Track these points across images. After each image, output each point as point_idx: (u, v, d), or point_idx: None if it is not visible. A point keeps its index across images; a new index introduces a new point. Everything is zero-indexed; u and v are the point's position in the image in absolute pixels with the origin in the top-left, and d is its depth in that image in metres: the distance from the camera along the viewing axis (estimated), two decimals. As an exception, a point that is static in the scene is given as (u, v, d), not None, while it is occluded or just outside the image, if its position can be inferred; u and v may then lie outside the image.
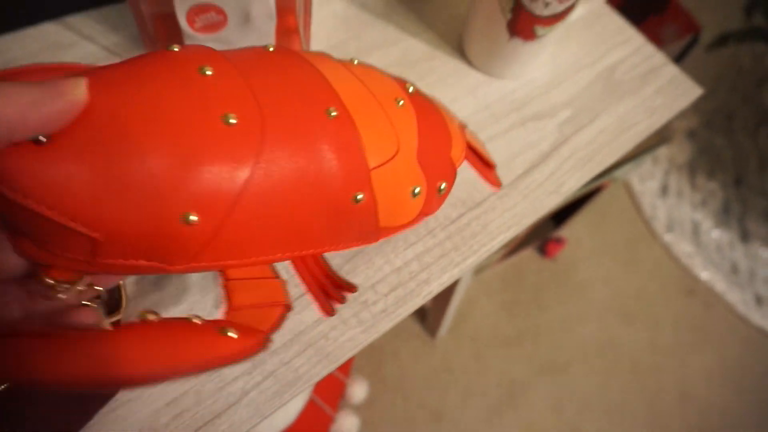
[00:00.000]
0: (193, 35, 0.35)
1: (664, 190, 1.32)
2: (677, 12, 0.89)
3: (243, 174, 0.19)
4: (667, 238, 1.26)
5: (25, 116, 0.16)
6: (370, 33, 0.42)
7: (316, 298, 0.26)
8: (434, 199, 0.27)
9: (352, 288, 0.27)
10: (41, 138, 0.17)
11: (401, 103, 0.26)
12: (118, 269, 0.19)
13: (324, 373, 0.30)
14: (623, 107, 0.43)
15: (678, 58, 0.96)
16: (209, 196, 0.19)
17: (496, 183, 0.35)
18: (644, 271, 1.23)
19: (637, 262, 1.23)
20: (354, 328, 0.31)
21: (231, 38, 0.36)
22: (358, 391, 0.91)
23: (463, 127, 0.32)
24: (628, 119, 0.43)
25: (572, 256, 1.22)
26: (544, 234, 1.14)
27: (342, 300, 0.26)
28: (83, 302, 0.22)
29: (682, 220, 1.29)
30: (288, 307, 0.24)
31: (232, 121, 0.20)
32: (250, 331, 0.21)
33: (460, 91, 0.41)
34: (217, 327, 0.20)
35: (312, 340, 0.30)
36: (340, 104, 0.23)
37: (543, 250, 1.20)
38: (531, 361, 1.10)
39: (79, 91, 0.18)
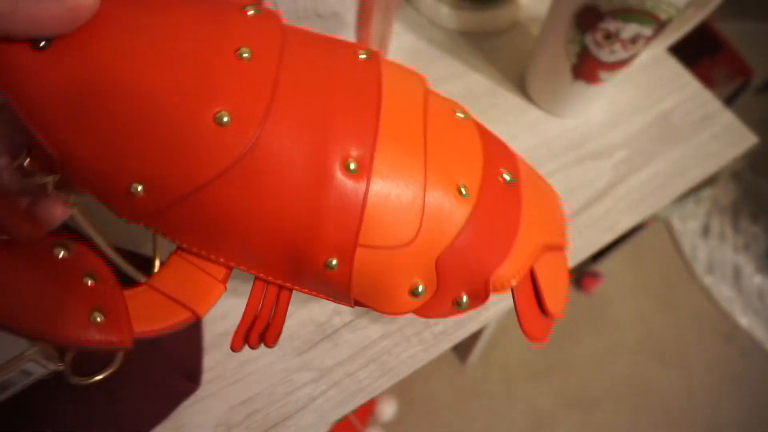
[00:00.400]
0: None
1: (705, 231, 1.30)
2: (731, 55, 0.90)
3: (252, 129, 0.17)
4: (707, 280, 1.24)
5: (22, 13, 0.14)
6: (437, 67, 0.45)
7: (241, 326, 0.21)
8: (445, 308, 0.21)
9: (269, 343, 0.21)
10: (41, 43, 0.16)
11: (464, 191, 0.20)
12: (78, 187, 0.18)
13: (386, 386, 0.31)
14: (678, 152, 0.44)
15: (728, 101, 0.97)
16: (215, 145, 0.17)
17: (535, 337, 0.22)
18: (681, 312, 1.21)
19: (674, 303, 1.22)
20: (416, 346, 0.32)
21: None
22: (387, 409, 0.92)
23: (552, 248, 0.23)
24: (683, 164, 0.44)
25: (607, 292, 1.21)
26: (581, 267, 1.14)
27: (254, 346, 0.21)
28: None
29: (723, 263, 1.26)
30: (197, 317, 0.20)
31: (246, 55, 0.18)
32: (120, 324, 0.18)
33: (520, 126, 0.43)
34: (87, 307, 0.18)
35: (376, 355, 0.32)
36: (371, 143, 0.18)
37: (579, 284, 1.19)
38: (560, 393, 1.09)
39: None
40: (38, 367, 0.24)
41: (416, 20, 0.47)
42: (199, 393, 0.30)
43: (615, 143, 0.44)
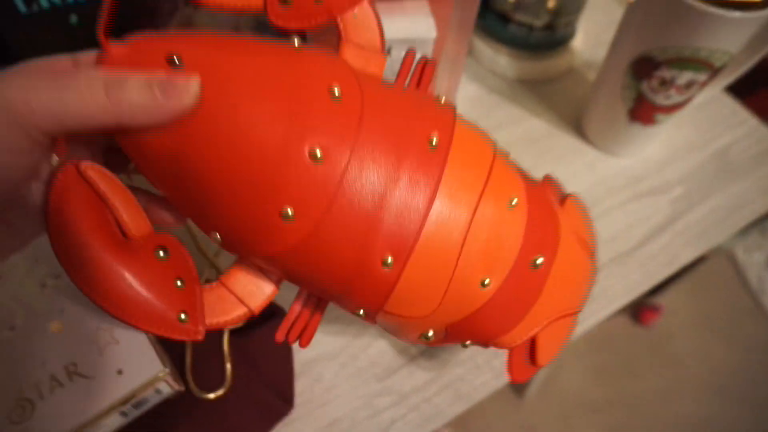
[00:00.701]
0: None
1: (772, 262, 1.25)
2: (789, 86, 0.89)
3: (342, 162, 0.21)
4: (776, 314, 1.19)
5: (134, 118, 0.19)
6: (498, 113, 0.48)
7: (284, 324, 0.25)
8: (452, 345, 0.27)
9: (303, 344, 0.26)
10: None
11: (487, 282, 0.23)
12: None
13: (459, 411, 0.34)
14: (737, 187, 0.46)
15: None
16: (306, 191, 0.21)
17: (516, 380, 0.27)
18: (749, 347, 1.16)
19: (740, 338, 1.17)
20: (486, 374, 0.35)
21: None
22: (445, 441, 0.92)
23: (563, 317, 0.26)
24: (742, 198, 0.45)
25: (668, 326, 1.18)
26: (639, 300, 1.12)
27: (291, 343, 0.26)
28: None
29: (793, 296, 1.21)
30: (253, 313, 0.24)
31: (337, 94, 0.21)
32: (197, 321, 0.23)
33: (579, 166, 0.45)
34: (177, 309, 0.22)
35: (450, 382, 0.35)
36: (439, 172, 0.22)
37: (637, 317, 1.17)
38: (620, 431, 1.06)
39: (193, 93, 0.19)
40: (167, 387, 0.29)
41: (478, 71, 0.51)
42: (292, 414, 0.33)
43: (672, 180, 0.45)
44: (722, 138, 0.49)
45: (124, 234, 0.22)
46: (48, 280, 0.31)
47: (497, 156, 0.24)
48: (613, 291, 0.39)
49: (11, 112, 0.18)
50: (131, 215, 0.22)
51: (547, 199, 0.26)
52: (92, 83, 0.18)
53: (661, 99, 0.39)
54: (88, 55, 0.21)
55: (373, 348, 0.35)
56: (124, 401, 0.27)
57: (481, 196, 0.23)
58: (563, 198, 0.29)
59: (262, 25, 0.39)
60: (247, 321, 0.25)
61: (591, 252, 0.28)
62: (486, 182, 0.23)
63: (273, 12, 0.24)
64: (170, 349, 0.31)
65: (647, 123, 0.42)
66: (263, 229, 0.21)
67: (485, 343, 0.26)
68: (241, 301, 0.24)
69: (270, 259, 0.23)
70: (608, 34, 0.42)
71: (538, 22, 0.47)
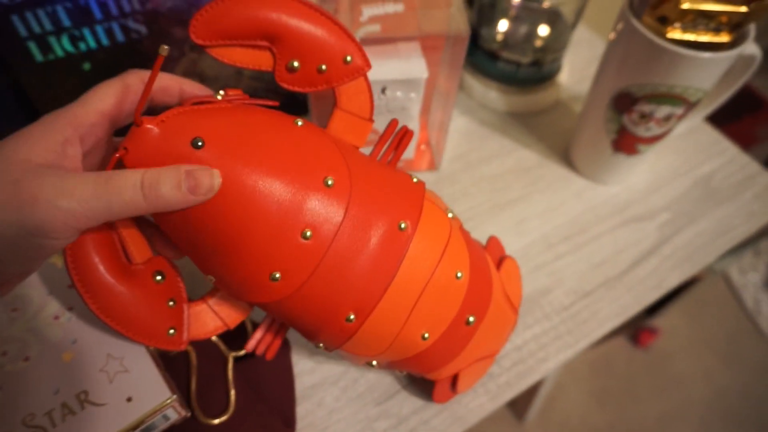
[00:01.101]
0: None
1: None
2: (772, 111, 0.92)
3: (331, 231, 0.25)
4: (774, 334, 1.20)
5: (166, 209, 0.23)
6: (489, 144, 0.50)
7: (253, 337, 0.31)
8: (389, 368, 0.32)
9: (269, 356, 0.31)
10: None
11: (426, 336, 0.28)
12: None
13: (456, 433, 0.35)
14: (721, 212, 0.47)
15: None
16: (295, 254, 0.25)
17: (439, 401, 0.34)
18: (749, 368, 1.16)
19: (740, 358, 1.18)
20: (481, 396, 0.36)
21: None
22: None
23: (483, 358, 0.33)
24: (726, 223, 0.47)
25: (667, 347, 1.19)
26: (636, 322, 1.13)
27: (258, 353, 0.31)
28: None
29: (790, 317, 1.22)
30: (228, 327, 0.29)
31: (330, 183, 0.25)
32: (182, 335, 0.28)
33: (567, 194, 0.47)
34: (167, 326, 0.27)
35: (447, 404, 0.36)
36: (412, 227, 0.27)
37: (635, 339, 1.18)
38: (624, 455, 1.06)
39: (215, 188, 0.23)
40: (175, 413, 0.30)
41: (470, 105, 0.53)
42: (295, 437, 0.34)
43: (658, 206, 0.47)
44: (705, 165, 0.51)
45: (128, 258, 0.26)
46: (61, 312, 0.33)
47: (453, 231, 0.29)
48: (603, 314, 0.40)
49: (54, 211, 0.20)
50: (135, 244, 0.26)
51: (485, 266, 0.32)
52: (133, 187, 0.21)
53: (642, 131, 0.41)
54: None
55: (371, 373, 0.37)
56: (134, 427, 0.28)
57: (434, 271, 0.27)
58: (502, 259, 0.35)
59: (260, 75, 0.41)
60: (222, 333, 0.30)
61: (515, 308, 0.34)
62: (440, 258, 0.28)
63: (280, 76, 0.27)
64: (176, 377, 0.33)
65: (630, 153, 0.44)
66: (253, 285, 0.26)
67: (419, 375, 0.32)
68: (220, 318, 0.29)
69: (255, 304, 0.27)
70: (592, 69, 0.45)
71: (525, 59, 0.49)
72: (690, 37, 0.35)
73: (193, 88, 0.27)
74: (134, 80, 0.25)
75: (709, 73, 0.36)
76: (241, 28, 0.25)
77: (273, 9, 0.25)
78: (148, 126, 0.23)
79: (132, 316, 0.26)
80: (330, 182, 0.25)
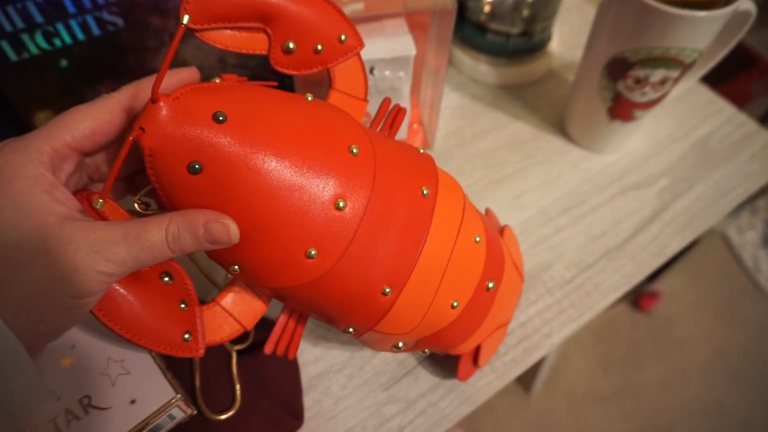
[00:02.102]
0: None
1: (766, 241, 1.27)
2: (765, 69, 0.91)
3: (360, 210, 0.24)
4: (773, 291, 1.20)
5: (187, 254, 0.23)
6: (482, 119, 0.49)
7: (272, 337, 0.28)
8: (413, 349, 0.31)
9: (291, 355, 0.29)
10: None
11: (455, 304, 0.28)
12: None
13: (465, 413, 0.35)
14: (719, 174, 0.47)
15: (769, 112, 0.97)
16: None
17: (463, 378, 0.33)
18: (749, 326, 1.17)
19: (740, 317, 1.18)
20: (488, 375, 0.36)
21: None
22: (457, 443, 0.93)
23: (500, 326, 0.33)
24: (725, 185, 0.46)
25: (669, 311, 1.20)
26: (638, 287, 1.13)
27: (280, 354, 0.28)
28: None
29: (789, 273, 1.23)
30: (245, 329, 0.27)
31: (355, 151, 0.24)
32: (199, 340, 0.25)
33: (565, 166, 0.47)
34: (182, 330, 0.25)
35: (454, 385, 0.36)
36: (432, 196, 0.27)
37: (637, 304, 1.18)
38: (631, 420, 1.07)
39: (233, 240, 0.23)
40: (180, 411, 0.30)
41: (460, 80, 0.52)
42: (303, 429, 0.34)
43: (656, 172, 0.47)
44: (701, 128, 0.50)
45: None
46: (57, 317, 0.32)
47: (466, 198, 0.29)
48: (606, 285, 0.40)
49: (96, 276, 0.21)
50: None
51: (495, 232, 0.32)
52: (161, 243, 0.22)
53: (637, 96, 0.40)
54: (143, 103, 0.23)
55: (376, 358, 0.36)
56: (140, 429, 0.28)
57: (457, 235, 0.27)
58: (501, 229, 0.35)
59: (244, 63, 0.40)
60: (241, 335, 0.28)
61: (521, 274, 0.35)
62: (461, 223, 0.28)
63: (275, 59, 0.26)
64: (180, 375, 0.32)
65: (627, 119, 0.43)
66: (288, 266, 0.24)
67: (444, 351, 0.32)
68: (236, 319, 0.27)
69: (285, 290, 0.25)
70: (584, 36, 0.44)
71: (515, 30, 0.48)
72: (683, -4, 0.34)
73: (181, 75, 0.25)
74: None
75: (705, 33, 0.35)
76: (235, 10, 0.24)
77: None
78: (165, 102, 0.22)
79: (142, 321, 0.24)
80: (355, 150, 0.25)
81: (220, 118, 0.22)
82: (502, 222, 0.43)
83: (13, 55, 0.35)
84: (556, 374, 1.11)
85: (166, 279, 0.25)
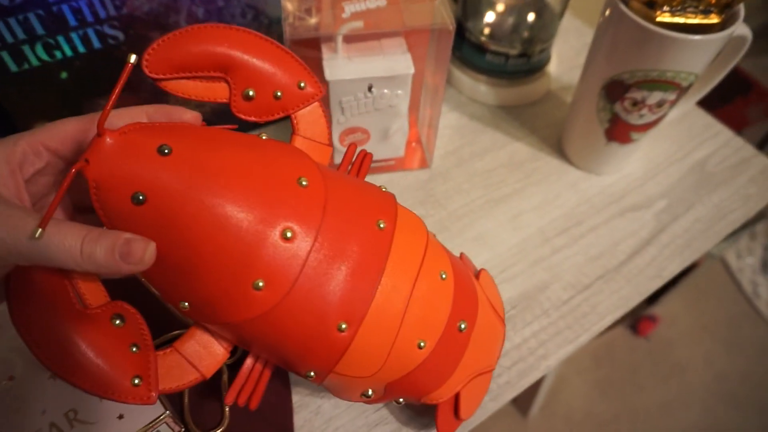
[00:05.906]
0: (341, 149, 0.43)
1: (765, 266, 1.27)
2: (762, 93, 0.92)
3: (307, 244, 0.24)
4: (773, 317, 1.20)
5: (99, 271, 0.22)
6: (481, 139, 0.49)
7: (234, 387, 0.27)
8: (385, 399, 0.29)
9: (252, 405, 0.27)
10: None
11: (422, 344, 0.27)
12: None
13: (459, 436, 0.34)
14: (717, 197, 0.47)
15: (766, 138, 0.97)
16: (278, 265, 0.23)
17: (440, 428, 0.31)
18: (748, 351, 1.16)
19: (739, 342, 1.17)
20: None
21: (371, 150, 0.44)
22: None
23: (481, 373, 0.31)
24: (723, 207, 0.46)
25: (667, 335, 1.19)
26: (636, 311, 1.12)
27: (241, 404, 0.27)
28: None
29: (789, 298, 1.22)
30: (204, 377, 0.26)
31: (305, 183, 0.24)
32: (151, 386, 0.24)
33: (562, 186, 0.47)
34: (131, 374, 0.23)
35: (448, 406, 0.35)
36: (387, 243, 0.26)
37: (635, 329, 1.17)
38: (630, 445, 1.06)
39: (147, 260, 0.22)
40: (168, 428, 0.29)
41: (459, 100, 0.52)
42: (294, 448, 0.33)
43: (654, 194, 0.47)
44: (699, 151, 0.50)
45: (82, 302, 0.23)
46: (46, 329, 0.32)
47: (429, 234, 0.29)
48: (603, 307, 0.40)
49: None
50: (88, 287, 0.23)
51: (466, 271, 0.31)
52: (72, 244, 0.21)
53: (634, 118, 0.41)
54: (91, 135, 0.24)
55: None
56: (126, 446, 0.28)
57: (420, 270, 0.27)
58: (477, 272, 0.34)
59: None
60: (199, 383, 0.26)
61: (502, 318, 0.33)
62: (423, 257, 0.27)
63: (236, 106, 0.27)
64: (169, 391, 0.32)
65: (624, 141, 0.43)
66: (235, 299, 0.24)
67: (418, 399, 0.30)
68: (194, 367, 0.26)
69: (235, 326, 0.24)
70: (582, 58, 0.44)
71: (514, 51, 0.48)
72: (679, 20, 0.35)
73: (159, 113, 0.26)
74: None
75: (700, 56, 0.35)
76: (194, 60, 0.25)
77: (225, 41, 0.26)
78: (111, 137, 0.22)
79: (87, 363, 0.22)
80: (304, 182, 0.25)
81: (165, 151, 0.22)
82: (501, 239, 0.43)
83: (13, 66, 0.35)
84: (554, 397, 1.10)
85: (117, 322, 0.23)
